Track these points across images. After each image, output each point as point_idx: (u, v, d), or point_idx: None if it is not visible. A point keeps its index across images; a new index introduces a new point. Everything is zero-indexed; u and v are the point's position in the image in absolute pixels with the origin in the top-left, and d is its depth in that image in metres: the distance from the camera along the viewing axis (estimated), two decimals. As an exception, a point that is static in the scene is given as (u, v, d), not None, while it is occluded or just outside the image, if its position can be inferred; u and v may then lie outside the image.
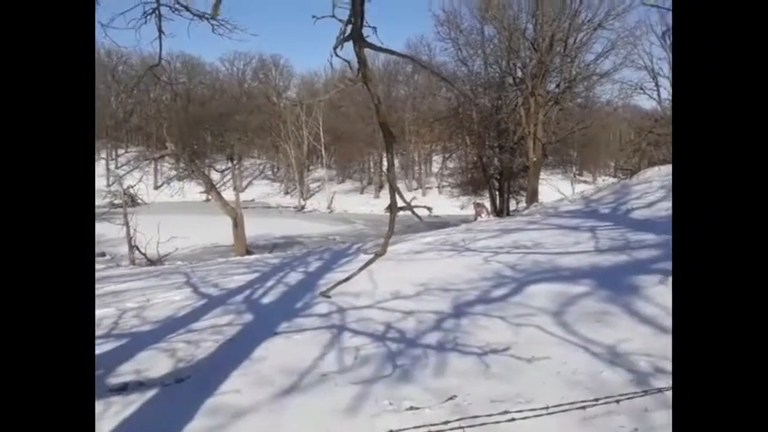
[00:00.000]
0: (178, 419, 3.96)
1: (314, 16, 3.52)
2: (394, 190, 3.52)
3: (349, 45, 3.58)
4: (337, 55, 3.47)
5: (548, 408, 2.14)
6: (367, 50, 3.46)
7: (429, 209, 4.12)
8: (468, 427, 2.91)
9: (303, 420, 3.95)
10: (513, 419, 2.13)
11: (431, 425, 2.71)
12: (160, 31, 6.28)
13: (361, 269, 3.79)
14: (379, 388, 4.40)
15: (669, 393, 3.64)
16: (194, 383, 4.72)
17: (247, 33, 8.00)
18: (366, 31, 3.38)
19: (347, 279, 3.84)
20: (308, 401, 4.25)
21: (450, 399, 4.03)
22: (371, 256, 4.11)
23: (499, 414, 2.20)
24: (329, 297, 7.50)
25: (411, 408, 3.96)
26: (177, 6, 6.52)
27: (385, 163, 54.82)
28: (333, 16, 3.36)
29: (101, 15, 6.02)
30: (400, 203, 3.53)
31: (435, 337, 5.52)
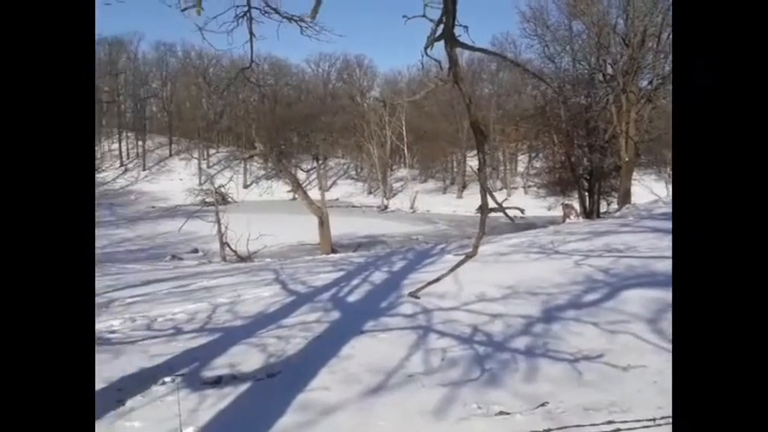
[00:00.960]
0: (270, 413, 4.08)
1: (404, 16, 3.52)
2: (485, 190, 3.47)
3: (437, 44, 3.57)
4: (428, 55, 3.46)
5: (654, 420, 2.05)
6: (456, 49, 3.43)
7: (521, 210, 4.04)
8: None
9: (391, 420, 3.97)
10: (618, 430, 2.05)
11: None
12: (251, 33, 6.48)
13: (451, 270, 3.76)
14: (467, 391, 4.37)
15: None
16: (285, 379, 4.84)
17: (334, 34, 8.12)
18: (456, 30, 3.36)
19: (437, 280, 3.82)
20: (396, 401, 4.27)
21: (542, 405, 3.95)
22: (455, 256, 4.06)
23: (604, 424, 2.12)
24: (418, 298, 7.52)
25: (501, 413, 3.91)
26: (267, 9, 6.71)
27: (471, 163, 54.38)
28: (424, 16, 3.35)
29: (198, 20, 6.27)
30: (491, 204, 3.48)
31: (524, 342, 5.42)
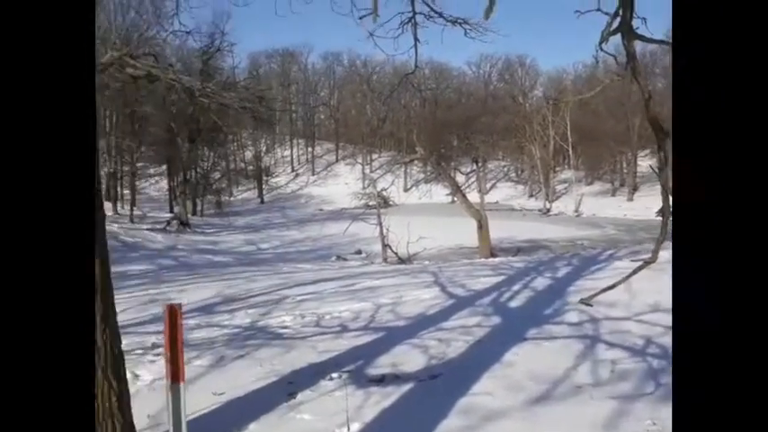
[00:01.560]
0: (433, 415, 4.11)
1: (577, 11, 3.42)
2: (667, 192, 3.26)
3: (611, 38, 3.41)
4: (602, 49, 3.32)
5: None
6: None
7: None
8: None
9: (557, 431, 3.85)
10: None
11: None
12: (416, 38, 6.61)
13: (628, 276, 3.58)
14: (641, 406, 4.11)
15: None
16: (446, 381, 4.86)
17: (499, 35, 8.04)
18: (634, 23, 3.19)
19: (612, 287, 3.64)
20: (563, 412, 4.12)
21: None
22: (628, 263, 3.81)
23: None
24: (590, 305, 7.22)
25: (680, 432, 3.63)
26: (431, 14, 6.81)
27: (641, 163, 51.20)
28: (599, 10, 3.22)
29: (369, 27, 6.50)
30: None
31: (706, 357, 5.00)
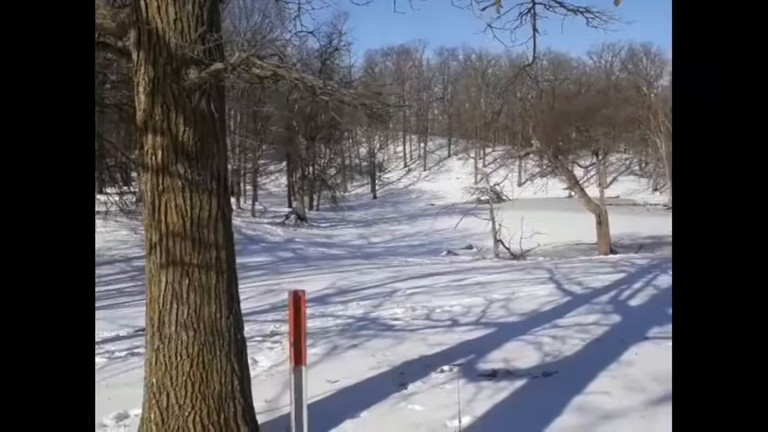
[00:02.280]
0: (547, 412, 4.03)
1: None
2: None
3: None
4: None
5: None
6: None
7: None
8: None
9: (680, 435, 3.65)
10: None
11: None
12: (534, 29, 6.43)
13: None
14: None
15: None
16: (561, 379, 4.74)
17: (622, 23, 7.69)
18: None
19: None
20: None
21: None
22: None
23: None
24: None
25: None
26: (552, 3, 6.59)
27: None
28: None
29: (487, 19, 6.42)
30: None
31: None
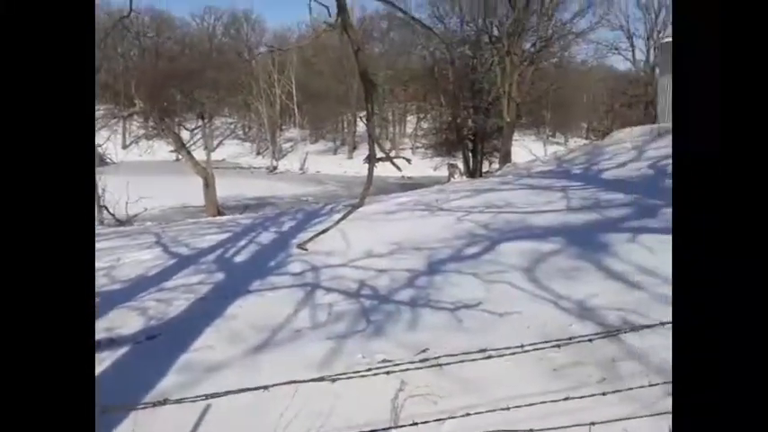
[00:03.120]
0: (150, 375, 3.98)
1: None
2: (373, 140, 3.51)
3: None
4: (317, 0, 3.41)
5: (522, 346, 2.20)
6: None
7: (408, 160, 4.10)
8: (445, 364, 3.00)
9: (276, 375, 3.99)
10: (491, 357, 2.17)
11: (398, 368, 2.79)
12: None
13: (339, 221, 3.80)
14: (353, 343, 4.46)
15: (637, 344, 3.75)
16: (166, 341, 4.73)
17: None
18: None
19: (325, 231, 3.83)
20: (281, 357, 4.29)
21: (423, 351, 4.11)
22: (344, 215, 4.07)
23: (477, 352, 2.25)
24: (306, 250, 7.54)
25: (384, 360, 4.02)
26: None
27: (361, 124, 54.22)
28: None
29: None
30: (379, 154, 3.51)
31: (408, 294, 5.59)
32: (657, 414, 2.70)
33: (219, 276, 7.09)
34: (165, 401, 2.16)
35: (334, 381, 2.42)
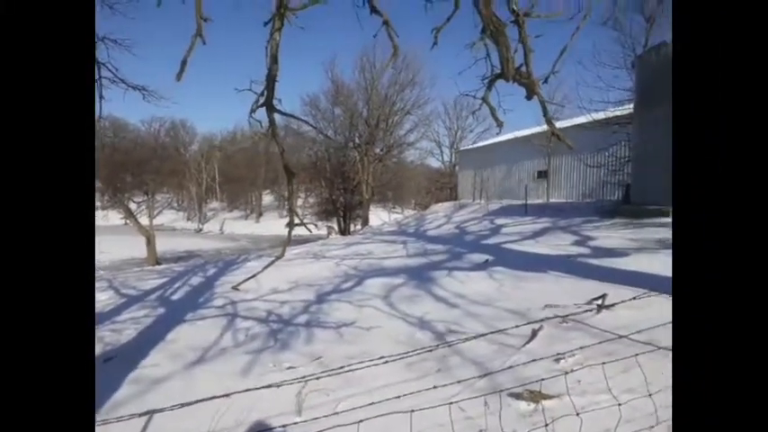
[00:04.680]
0: (106, 390, 3.48)
1: (236, 89, 3.36)
2: (293, 211, 3.44)
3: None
4: (252, 117, 3.34)
5: (383, 357, 2.18)
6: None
7: (316, 225, 4.03)
8: (333, 373, 2.90)
9: (209, 382, 3.66)
10: (373, 364, 2.13)
11: (303, 377, 2.65)
12: (101, 96, 5.72)
13: (264, 268, 3.63)
14: (266, 356, 4.20)
15: (459, 344, 3.88)
16: (119, 362, 4.18)
17: (170, 102, 7.48)
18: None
19: (254, 276, 3.63)
20: (212, 369, 3.94)
21: (317, 359, 3.97)
22: (256, 262, 3.90)
23: (357, 363, 2.21)
24: (239, 290, 7.10)
25: (290, 367, 3.83)
26: (116, 79, 6.05)
27: (264, 198, 52.85)
28: (250, 89, 3.22)
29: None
30: (297, 221, 3.43)
31: (304, 318, 5.40)
32: (482, 395, 2.78)
33: (161, 310, 6.44)
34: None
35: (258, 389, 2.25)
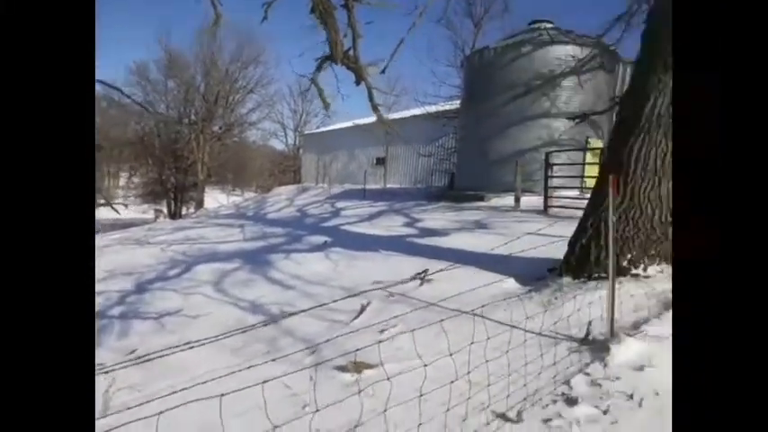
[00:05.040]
0: None
1: None
2: (101, 192, 2.97)
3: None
4: None
5: (200, 341, 2.09)
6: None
7: (126, 205, 3.57)
8: (153, 357, 2.67)
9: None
10: (183, 350, 2.01)
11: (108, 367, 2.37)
12: None
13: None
14: None
15: (290, 324, 3.89)
16: None
17: None
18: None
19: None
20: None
21: (131, 353, 3.58)
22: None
23: (176, 346, 2.06)
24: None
25: (98, 364, 3.39)
26: None
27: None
28: None
29: None
30: (102, 201, 2.98)
31: (119, 310, 4.82)
32: (304, 368, 2.84)
33: None
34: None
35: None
